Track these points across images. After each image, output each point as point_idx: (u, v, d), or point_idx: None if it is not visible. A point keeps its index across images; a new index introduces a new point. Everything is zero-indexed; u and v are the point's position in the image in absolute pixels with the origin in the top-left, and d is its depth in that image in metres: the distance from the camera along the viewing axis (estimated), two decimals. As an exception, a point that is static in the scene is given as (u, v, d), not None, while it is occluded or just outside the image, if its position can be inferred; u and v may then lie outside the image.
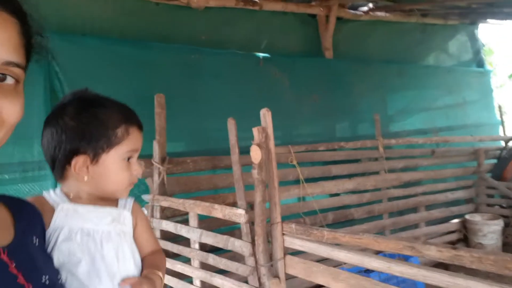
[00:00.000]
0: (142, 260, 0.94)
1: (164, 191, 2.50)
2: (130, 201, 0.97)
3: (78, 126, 0.87)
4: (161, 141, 2.52)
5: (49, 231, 0.85)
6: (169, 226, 2.34)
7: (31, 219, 0.74)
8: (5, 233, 0.64)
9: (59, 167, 0.89)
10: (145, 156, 2.59)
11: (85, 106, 0.89)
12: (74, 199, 0.91)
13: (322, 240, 1.64)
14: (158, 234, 2.45)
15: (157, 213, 2.46)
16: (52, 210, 0.87)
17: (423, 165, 4.26)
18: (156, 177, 2.50)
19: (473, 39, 5.68)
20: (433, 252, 1.22)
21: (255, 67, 3.49)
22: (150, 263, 0.93)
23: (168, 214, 2.52)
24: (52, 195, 0.90)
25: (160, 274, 0.90)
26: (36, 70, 2.40)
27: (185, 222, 2.34)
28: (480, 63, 5.76)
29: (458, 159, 4.54)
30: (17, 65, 0.58)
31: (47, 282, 0.66)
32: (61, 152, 0.86)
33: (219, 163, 2.77)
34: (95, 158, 0.88)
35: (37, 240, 0.71)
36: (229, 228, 2.70)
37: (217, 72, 3.26)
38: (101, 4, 2.85)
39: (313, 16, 3.98)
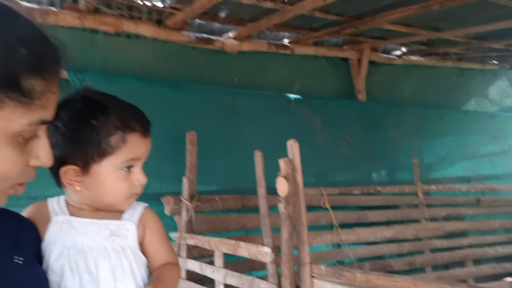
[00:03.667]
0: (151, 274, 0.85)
1: (191, 229, 2.44)
2: (139, 210, 0.87)
3: (68, 132, 0.78)
4: (191, 178, 2.50)
5: (43, 246, 0.78)
6: (195, 266, 2.25)
7: (16, 235, 0.71)
8: None
9: (53, 174, 0.81)
10: (174, 193, 2.59)
11: (80, 110, 0.79)
12: (75, 210, 0.83)
13: (354, 284, 1.49)
14: (183, 274, 2.36)
15: (184, 252, 2.38)
16: (49, 221, 0.81)
17: (468, 214, 3.95)
18: (184, 214, 2.46)
19: (515, 84, 5.47)
20: (485, 298, 1.05)
21: (286, 108, 3.50)
22: (155, 277, 0.83)
23: (195, 254, 2.44)
24: (55, 204, 0.84)
25: None
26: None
27: (212, 263, 2.24)
28: (525, 109, 5.49)
29: (507, 210, 4.19)
30: None
31: None
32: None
33: (248, 202, 2.69)
34: (85, 168, 0.79)
35: (23, 258, 0.67)
36: (259, 274, 2.56)
37: (249, 113, 3.29)
38: (142, 47, 3.02)
39: (345, 59, 4.01)
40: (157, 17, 2.84)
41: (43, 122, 0.60)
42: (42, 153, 0.62)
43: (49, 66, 0.58)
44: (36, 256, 0.76)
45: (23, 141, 0.59)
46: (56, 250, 0.77)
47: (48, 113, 0.59)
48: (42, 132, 0.62)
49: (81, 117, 0.78)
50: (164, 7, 2.68)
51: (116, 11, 2.69)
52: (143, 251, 0.86)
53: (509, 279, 3.77)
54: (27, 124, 0.57)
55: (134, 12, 2.74)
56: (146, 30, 2.85)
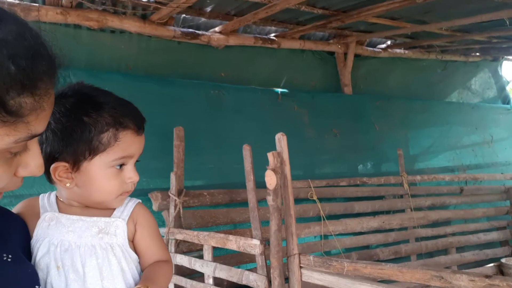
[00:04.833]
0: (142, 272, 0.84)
1: (180, 224, 2.45)
2: (131, 206, 0.85)
3: (59, 129, 0.76)
4: (179, 173, 2.51)
5: (32, 243, 0.78)
6: (184, 260, 2.27)
7: (4, 232, 0.70)
8: None
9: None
10: (163, 189, 2.59)
11: (72, 106, 0.77)
12: (64, 206, 0.82)
13: (342, 273, 1.53)
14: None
15: (172, 247, 2.39)
16: (39, 217, 0.80)
17: (452, 203, 4.06)
18: (172, 209, 2.47)
19: (497, 76, 5.59)
20: (464, 282, 1.10)
21: (273, 102, 3.52)
22: (145, 276, 0.82)
23: (184, 248, 2.46)
24: (45, 200, 0.83)
25: None
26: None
27: (201, 258, 2.26)
28: (506, 100, 5.63)
29: (489, 198, 4.31)
30: None
31: None
32: (42, 153, 0.73)
33: (236, 196, 2.72)
34: (75, 165, 0.77)
35: (12, 256, 0.67)
36: (248, 267, 2.59)
37: (236, 107, 3.31)
38: (127, 43, 2.99)
39: (331, 53, 4.04)
40: (142, 12, 2.81)
41: (33, 137, 0.56)
42: (33, 164, 0.59)
43: (40, 82, 0.53)
44: (25, 253, 0.75)
45: (10, 156, 0.56)
46: (43, 247, 0.76)
47: (37, 129, 0.55)
48: (33, 144, 0.59)
49: (73, 113, 0.76)
50: (149, 1, 2.66)
51: (100, 6, 2.66)
52: (134, 248, 0.84)
53: (491, 265, 3.89)
54: (13, 142, 0.53)
55: (118, 7, 2.71)
56: (131, 25, 2.82)
